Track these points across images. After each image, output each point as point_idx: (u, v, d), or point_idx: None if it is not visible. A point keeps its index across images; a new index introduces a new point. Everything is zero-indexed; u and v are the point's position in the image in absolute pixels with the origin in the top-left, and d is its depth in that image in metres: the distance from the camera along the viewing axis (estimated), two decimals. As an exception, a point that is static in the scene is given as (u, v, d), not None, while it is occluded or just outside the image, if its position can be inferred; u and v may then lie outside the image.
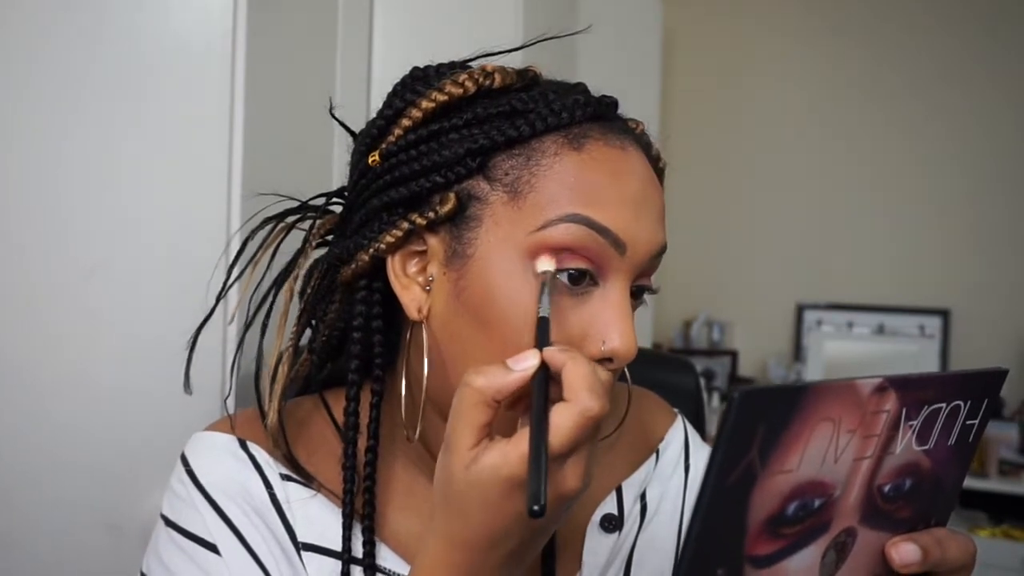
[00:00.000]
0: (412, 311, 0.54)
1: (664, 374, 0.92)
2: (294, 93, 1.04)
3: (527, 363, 0.43)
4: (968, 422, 0.45)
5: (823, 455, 0.39)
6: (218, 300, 0.61)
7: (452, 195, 0.52)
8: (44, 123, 0.87)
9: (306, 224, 0.63)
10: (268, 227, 0.62)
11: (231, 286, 0.61)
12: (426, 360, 0.53)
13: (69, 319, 0.87)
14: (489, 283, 0.50)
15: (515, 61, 0.58)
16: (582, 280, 0.50)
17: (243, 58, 0.89)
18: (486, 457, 0.42)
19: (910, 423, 0.42)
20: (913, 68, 2.88)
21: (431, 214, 0.52)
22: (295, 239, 0.63)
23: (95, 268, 0.87)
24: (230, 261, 0.62)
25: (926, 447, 0.44)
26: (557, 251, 0.49)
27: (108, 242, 0.87)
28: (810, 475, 0.39)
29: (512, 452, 0.41)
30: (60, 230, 0.87)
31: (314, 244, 0.61)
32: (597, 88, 0.57)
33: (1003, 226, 2.79)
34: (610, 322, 0.50)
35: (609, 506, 0.63)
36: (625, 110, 0.57)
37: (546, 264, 0.49)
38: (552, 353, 0.43)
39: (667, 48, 2.46)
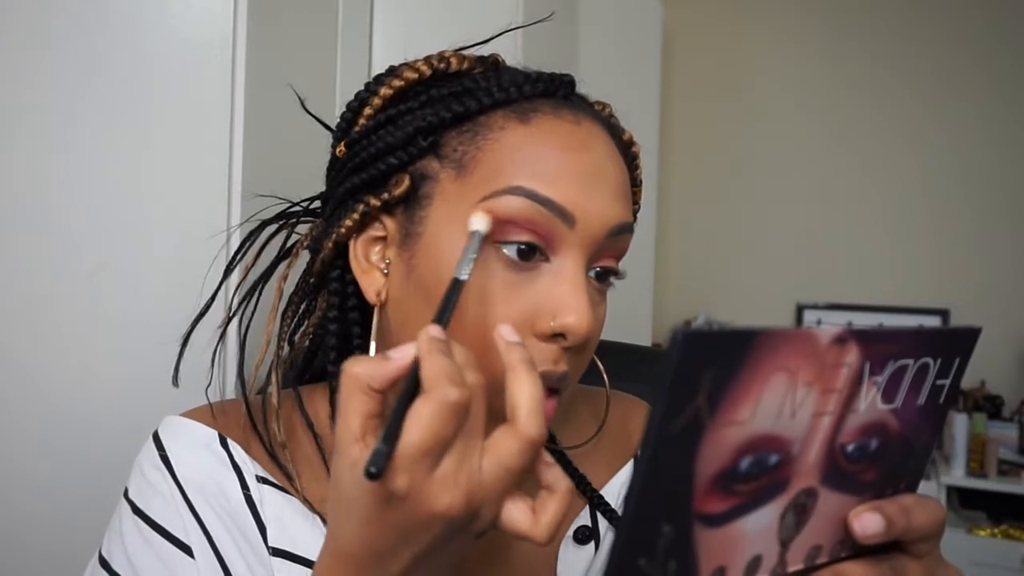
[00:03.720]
0: (371, 295, 0.53)
1: (664, 374, 0.91)
2: (294, 93, 1.03)
3: (405, 351, 0.40)
4: (939, 382, 0.43)
5: (779, 408, 0.36)
6: (212, 298, 0.61)
7: (406, 176, 0.52)
8: (44, 124, 0.87)
9: (302, 227, 0.64)
10: (265, 229, 0.63)
11: (222, 283, 0.61)
12: (373, 345, 0.52)
13: (71, 319, 0.87)
14: (438, 260, 0.49)
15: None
16: (532, 255, 0.48)
17: (243, 58, 0.89)
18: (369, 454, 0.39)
19: (874, 379, 0.39)
20: (913, 69, 2.88)
21: (385, 195, 0.52)
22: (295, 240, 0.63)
23: (97, 269, 0.87)
24: (227, 261, 0.63)
25: (893, 406, 0.41)
26: (502, 224, 0.48)
27: (109, 243, 0.87)
28: (765, 429, 0.36)
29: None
30: (62, 231, 0.87)
31: (305, 245, 0.61)
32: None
33: (1003, 226, 2.79)
34: (562, 297, 0.48)
35: (583, 518, 0.61)
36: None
37: (479, 223, 0.47)
38: (423, 342, 0.40)
39: (667, 48, 2.46)
